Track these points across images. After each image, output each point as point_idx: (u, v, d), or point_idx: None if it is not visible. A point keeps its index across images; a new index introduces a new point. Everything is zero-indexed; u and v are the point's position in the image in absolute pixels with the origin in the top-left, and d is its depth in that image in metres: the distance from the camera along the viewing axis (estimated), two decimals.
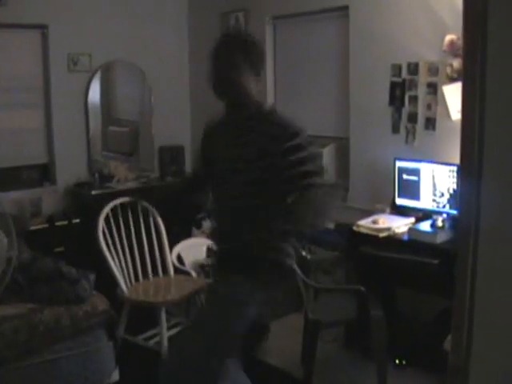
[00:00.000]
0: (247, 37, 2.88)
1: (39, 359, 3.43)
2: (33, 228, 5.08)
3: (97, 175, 5.64)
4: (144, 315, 4.07)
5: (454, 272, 1.45)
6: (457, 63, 4.10)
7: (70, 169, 5.65)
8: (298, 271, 3.84)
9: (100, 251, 3.87)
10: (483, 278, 1.34)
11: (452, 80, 4.17)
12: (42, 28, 5.44)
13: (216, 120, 3.01)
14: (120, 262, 4.00)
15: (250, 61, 2.74)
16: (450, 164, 4.07)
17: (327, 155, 5.09)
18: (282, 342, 4.55)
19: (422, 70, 4.38)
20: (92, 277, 3.69)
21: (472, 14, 1.33)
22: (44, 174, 5.70)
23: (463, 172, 1.46)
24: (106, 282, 3.84)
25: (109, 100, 6.20)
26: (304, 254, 4.26)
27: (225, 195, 2.89)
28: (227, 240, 2.90)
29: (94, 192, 5.42)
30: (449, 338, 1.77)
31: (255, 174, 2.73)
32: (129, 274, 4.07)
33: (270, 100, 5.68)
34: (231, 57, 2.73)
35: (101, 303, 3.66)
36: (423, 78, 4.39)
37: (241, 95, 2.78)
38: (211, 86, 2.80)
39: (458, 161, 3.92)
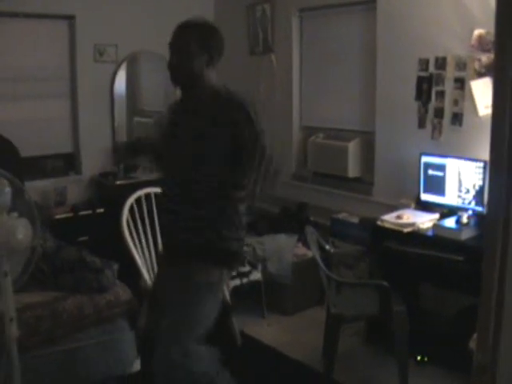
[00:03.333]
0: (203, 24, 2.94)
1: (62, 347, 3.45)
2: (57, 217, 5.12)
3: (121, 165, 5.66)
4: None
5: (482, 269, 1.43)
6: (485, 58, 4.05)
7: (95, 159, 5.68)
8: (321, 264, 3.83)
9: (124, 241, 3.87)
10: None
11: (480, 75, 4.12)
12: (70, 18, 5.47)
13: (174, 103, 3.17)
14: (143, 252, 4.01)
15: (202, 47, 2.83)
16: (477, 160, 4.03)
17: (353, 149, 5.08)
18: (303, 336, 4.55)
19: (450, 64, 4.33)
20: (115, 267, 3.70)
21: (505, 8, 1.31)
22: (69, 163, 5.74)
23: (492, 167, 1.44)
24: (129, 272, 3.85)
25: (134, 91, 6.22)
26: (327, 247, 4.25)
27: (171, 173, 2.99)
28: (176, 227, 2.96)
29: (118, 182, 5.46)
30: (474, 336, 1.74)
31: (200, 151, 2.83)
32: (152, 264, 4.07)
33: (295, 92, 5.66)
34: (182, 44, 2.83)
35: (123, 293, 3.67)
36: (451, 73, 4.34)
37: (191, 80, 2.87)
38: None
39: (484, 157, 3.92)
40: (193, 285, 2.84)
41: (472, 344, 2.27)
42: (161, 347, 2.80)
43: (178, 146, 2.91)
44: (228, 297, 4.07)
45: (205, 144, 2.78)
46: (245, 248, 3.15)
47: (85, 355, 3.54)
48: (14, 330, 2.52)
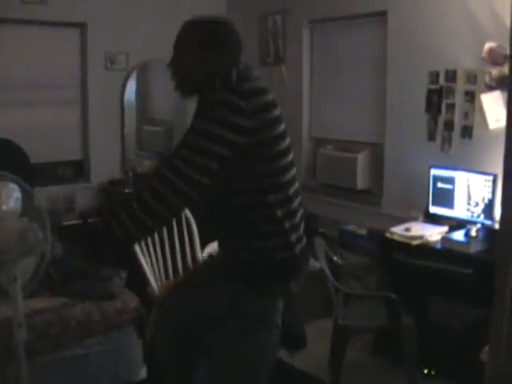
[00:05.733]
0: (206, 22, 2.48)
1: (69, 353, 3.46)
2: (66, 224, 5.13)
3: (130, 173, 5.67)
4: None
5: (494, 281, 1.43)
6: (496, 71, 4.05)
7: (104, 166, 5.70)
8: (329, 276, 3.83)
9: (131, 249, 3.88)
10: None
11: (490, 88, 4.12)
12: (81, 26, 5.50)
13: None
14: (151, 260, 4.01)
15: (203, 47, 2.38)
16: (486, 173, 4.03)
17: (362, 161, 5.08)
18: (310, 346, 4.53)
19: (460, 77, 4.34)
20: (123, 274, 3.71)
21: None
22: (78, 170, 5.76)
23: (505, 180, 1.44)
24: (137, 280, 3.85)
25: (144, 99, 6.24)
26: (335, 259, 4.25)
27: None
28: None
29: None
30: (486, 348, 1.74)
31: None
32: (159, 272, 4.07)
33: (305, 103, 5.67)
34: (182, 45, 2.49)
35: (131, 301, 3.68)
36: (461, 86, 4.35)
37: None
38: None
39: (494, 170, 3.91)
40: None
41: (484, 356, 2.26)
42: None
43: None
44: None
45: None
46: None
47: (92, 362, 3.54)
48: (22, 335, 2.52)
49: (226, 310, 2.41)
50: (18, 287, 2.50)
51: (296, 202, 2.40)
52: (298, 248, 2.42)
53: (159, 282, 4.04)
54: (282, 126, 2.38)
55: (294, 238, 2.38)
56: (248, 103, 2.21)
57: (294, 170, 2.40)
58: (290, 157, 2.39)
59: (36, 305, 3.35)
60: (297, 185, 2.42)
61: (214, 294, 2.46)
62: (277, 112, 2.37)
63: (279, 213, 2.31)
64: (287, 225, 2.34)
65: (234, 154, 2.19)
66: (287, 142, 2.39)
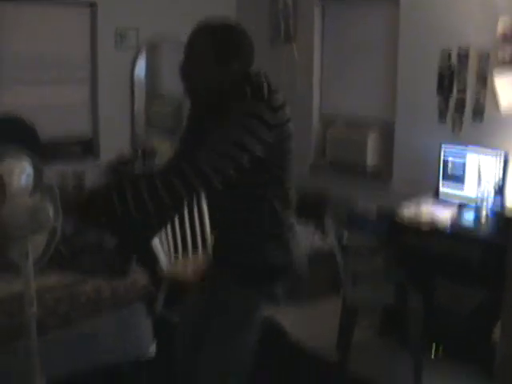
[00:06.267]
0: (217, 25, 2.48)
1: (79, 330, 3.47)
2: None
3: (140, 151, 5.68)
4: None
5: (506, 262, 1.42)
6: (509, 50, 4.01)
7: (114, 144, 5.69)
8: (338, 256, 3.83)
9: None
10: None
11: (503, 69, 4.08)
12: (91, 4, 5.48)
13: None
14: (161, 238, 4.02)
15: (214, 50, 2.39)
16: (497, 153, 4.01)
17: (372, 140, 5.07)
18: (318, 326, 4.56)
19: (473, 57, 4.31)
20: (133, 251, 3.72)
21: None
22: (88, 149, 5.76)
23: None
24: (147, 258, 3.87)
25: (154, 77, 6.22)
26: (344, 238, 4.24)
27: None
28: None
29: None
30: (498, 328, 1.75)
31: None
32: (169, 250, 4.09)
33: (315, 82, 5.64)
34: (191, 48, 2.48)
35: (141, 278, 3.68)
36: (473, 66, 4.32)
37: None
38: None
39: (505, 150, 3.89)
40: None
41: (496, 335, 2.27)
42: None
43: None
44: None
45: None
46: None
47: (101, 339, 3.55)
48: (33, 311, 2.53)
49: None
50: (29, 263, 2.51)
51: (290, 195, 2.51)
52: (292, 249, 2.54)
53: (168, 260, 4.07)
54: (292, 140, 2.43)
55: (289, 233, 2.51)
56: (275, 116, 2.28)
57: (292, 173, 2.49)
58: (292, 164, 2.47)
59: (46, 281, 3.36)
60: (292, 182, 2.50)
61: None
62: (292, 126, 2.41)
63: (278, 207, 2.43)
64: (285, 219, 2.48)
65: (251, 163, 2.25)
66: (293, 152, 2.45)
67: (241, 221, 2.47)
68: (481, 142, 4.21)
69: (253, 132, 2.21)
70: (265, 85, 2.35)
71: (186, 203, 2.84)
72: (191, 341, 2.74)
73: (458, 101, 4.43)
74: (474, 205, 4.05)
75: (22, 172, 2.50)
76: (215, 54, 2.38)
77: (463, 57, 4.35)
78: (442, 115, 4.53)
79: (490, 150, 4.09)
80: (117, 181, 2.37)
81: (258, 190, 2.40)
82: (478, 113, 4.30)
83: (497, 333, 1.92)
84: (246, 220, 2.46)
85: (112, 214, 2.29)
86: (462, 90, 4.40)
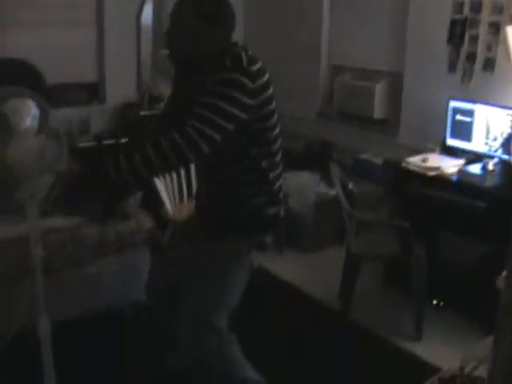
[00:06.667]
0: None
1: (83, 272, 3.51)
2: (81, 145, 5.14)
3: (146, 96, 5.64)
4: None
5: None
6: None
7: (120, 89, 5.66)
8: (344, 202, 3.83)
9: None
10: None
11: None
12: None
13: None
14: (166, 181, 4.02)
15: (200, 15, 2.47)
16: (506, 107, 3.97)
17: (380, 90, 5.02)
18: (321, 274, 4.59)
19: (486, 7, 4.22)
20: (138, 194, 3.72)
21: None
22: (93, 92, 5.72)
23: None
24: (152, 202, 3.87)
25: (161, 22, 6.14)
26: (350, 186, 4.24)
27: None
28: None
29: (142, 113, 5.45)
30: (502, 275, 1.74)
31: None
32: (174, 194, 4.09)
33: (324, 30, 5.56)
34: (184, 18, 2.51)
35: (146, 221, 3.70)
36: (486, 17, 4.24)
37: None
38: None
39: None
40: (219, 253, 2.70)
41: (500, 282, 2.27)
42: (185, 321, 2.70)
43: None
44: None
45: None
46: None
47: (105, 281, 3.59)
48: (38, 252, 2.55)
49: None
50: (35, 204, 2.52)
51: (278, 156, 2.67)
52: (280, 201, 2.72)
53: (173, 204, 4.07)
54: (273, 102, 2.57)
55: (277, 187, 2.68)
56: (255, 84, 2.43)
57: (278, 130, 2.64)
58: (277, 124, 2.63)
59: (52, 224, 3.38)
60: (279, 142, 2.66)
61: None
62: (271, 91, 2.55)
63: (264, 164, 2.59)
64: (271, 175, 2.63)
65: (236, 127, 2.40)
66: (276, 116, 2.61)
67: (228, 177, 2.63)
68: (490, 94, 4.17)
69: (236, 101, 2.36)
70: (243, 54, 2.47)
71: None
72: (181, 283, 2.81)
73: (469, 51, 4.36)
74: (481, 159, 4.03)
75: (27, 112, 2.49)
76: (201, 19, 2.47)
77: (476, 7, 4.27)
78: (452, 66, 4.47)
79: (499, 103, 4.04)
80: (112, 156, 2.46)
81: (243, 149, 2.56)
82: (489, 65, 4.24)
83: (500, 283, 1.93)
84: (232, 176, 2.63)
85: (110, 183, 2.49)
86: (474, 41, 4.33)
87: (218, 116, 2.34)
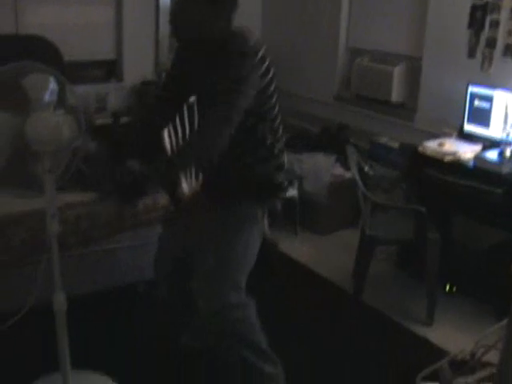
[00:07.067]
0: None
1: (98, 248, 3.54)
2: (97, 123, 5.15)
3: (163, 75, 5.63)
4: None
5: None
6: None
7: (137, 67, 5.65)
8: (360, 184, 3.83)
9: (163, 148, 3.89)
10: None
11: None
12: None
13: None
14: None
15: (217, 4, 2.52)
16: None
17: (398, 74, 4.99)
18: (335, 256, 4.61)
19: None
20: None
21: None
22: (111, 70, 5.73)
23: None
24: (168, 181, 3.87)
25: None
26: (366, 169, 4.23)
27: None
28: None
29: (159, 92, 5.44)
30: None
31: None
32: (190, 172, 4.09)
33: (344, 13, 5.52)
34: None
35: (161, 198, 3.71)
36: (507, 2, 4.19)
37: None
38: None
39: None
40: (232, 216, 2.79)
41: None
42: (206, 286, 2.70)
43: None
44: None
45: None
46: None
47: (120, 257, 3.62)
48: (55, 227, 2.57)
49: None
50: (52, 179, 2.53)
51: (280, 131, 2.81)
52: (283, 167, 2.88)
53: (189, 183, 4.08)
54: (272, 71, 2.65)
55: (282, 158, 2.84)
56: (260, 67, 2.54)
57: (278, 107, 2.77)
58: (277, 101, 2.75)
59: (68, 199, 3.40)
60: (280, 118, 2.80)
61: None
62: (273, 71, 2.64)
63: (269, 140, 2.74)
64: (276, 149, 2.78)
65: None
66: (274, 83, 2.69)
67: (238, 154, 2.72)
68: (510, 79, 4.13)
69: (252, 84, 2.51)
70: (249, 39, 2.55)
71: None
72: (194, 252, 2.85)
73: (490, 37, 4.32)
74: (498, 145, 4.00)
75: (46, 87, 2.50)
76: (213, 4, 2.51)
77: None
78: (472, 50, 4.42)
79: None
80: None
81: (250, 123, 2.65)
82: (509, 50, 4.20)
83: None
84: (242, 153, 2.73)
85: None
86: (495, 26, 4.28)
87: (240, 97, 2.49)
